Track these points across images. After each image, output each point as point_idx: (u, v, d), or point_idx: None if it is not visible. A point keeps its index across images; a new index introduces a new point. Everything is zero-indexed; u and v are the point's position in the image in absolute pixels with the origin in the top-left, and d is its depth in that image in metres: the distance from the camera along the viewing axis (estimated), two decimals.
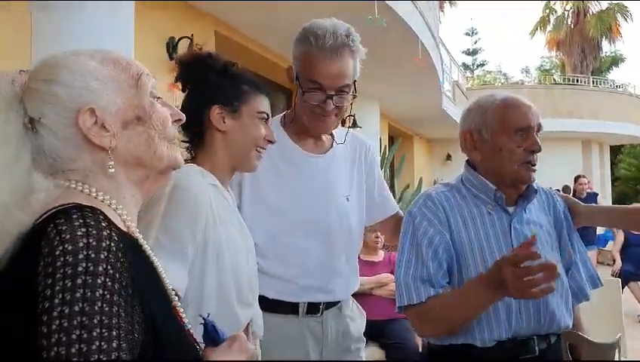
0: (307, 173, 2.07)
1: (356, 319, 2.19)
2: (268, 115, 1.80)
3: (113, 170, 1.04)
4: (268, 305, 1.88)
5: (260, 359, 1.75)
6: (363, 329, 2.23)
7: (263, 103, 1.79)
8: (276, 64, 7.20)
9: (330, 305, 2.08)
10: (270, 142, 1.80)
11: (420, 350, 4.56)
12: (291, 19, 6.14)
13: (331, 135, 2.18)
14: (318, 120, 2.01)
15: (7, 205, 0.98)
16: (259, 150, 1.78)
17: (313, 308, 2.03)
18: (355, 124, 10.17)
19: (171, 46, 5.65)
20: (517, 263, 1.54)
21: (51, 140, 1.03)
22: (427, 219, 1.85)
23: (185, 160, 1.72)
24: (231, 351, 1.10)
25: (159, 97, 1.13)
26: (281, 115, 2.17)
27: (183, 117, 1.18)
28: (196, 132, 1.74)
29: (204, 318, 1.13)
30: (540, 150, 1.85)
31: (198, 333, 1.14)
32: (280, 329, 1.94)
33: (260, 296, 1.82)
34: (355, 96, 2.03)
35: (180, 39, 5.65)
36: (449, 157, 18.87)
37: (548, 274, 1.52)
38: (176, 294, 1.29)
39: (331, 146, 2.16)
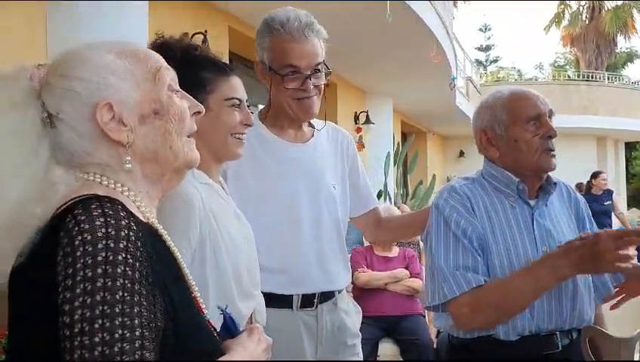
0: (291, 162, 2.06)
1: (351, 314, 2.17)
2: (240, 99, 1.72)
3: (130, 165, 1.04)
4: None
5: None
6: (359, 325, 2.21)
7: (231, 87, 1.70)
8: None
9: (324, 298, 2.06)
10: (248, 125, 1.73)
11: (435, 346, 4.58)
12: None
13: (311, 125, 2.17)
14: (302, 104, 2.01)
15: (25, 200, 0.98)
16: (237, 136, 1.72)
17: (307, 301, 2.01)
18: (368, 121, 10.21)
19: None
20: (620, 237, 1.61)
21: (69, 135, 1.03)
22: (456, 210, 1.85)
23: None
24: (250, 341, 1.11)
25: (178, 90, 1.12)
26: (258, 110, 2.16)
27: (202, 109, 1.16)
28: None
29: (222, 310, 1.13)
30: (555, 135, 1.85)
31: (217, 325, 1.15)
32: (274, 323, 1.86)
33: None
34: (328, 75, 2.05)
35: (193, 35, 5.66)
36: (462, 153, 18.81)
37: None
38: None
39: (312, 135, 2.15)
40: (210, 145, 1.67)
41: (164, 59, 1.13)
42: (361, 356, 2.21)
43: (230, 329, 1.13)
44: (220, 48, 5.07)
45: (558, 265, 1.67)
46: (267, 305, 1.84)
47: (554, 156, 1.87)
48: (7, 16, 3.86)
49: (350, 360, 2.14)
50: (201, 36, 5.58)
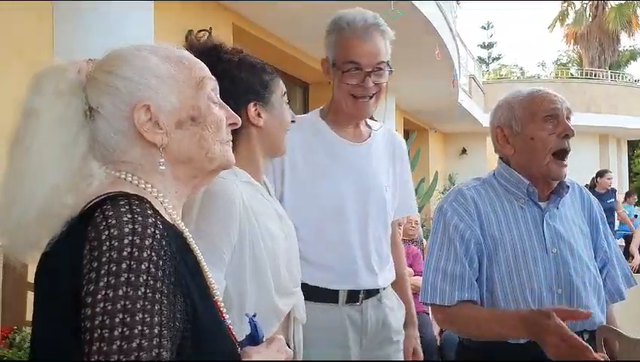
0: (348, 161, 2.12)
1: (396, 310, 2.21)
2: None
3: (164, 167, 1.06)
4: (307, 292, 1.88)
5: (301, 346, 1.77)
6: (403, 321, 2.25)
7: (281, 85, 1.79)
8: (294, 57, 7.22)
9: (369, 294, 2.10)
10: (293, 121, 1.81)
11: (438, 343, 4.59)
12: (309, 13, 6.16)
13: (368, 125, 2.23)
14: (357, 103, 2.07)
15: (59, 188, 1.00)
16: (287, 132, 1.79)
17: (353, 297, 2.06)
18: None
19: (189, 39, 5.67)
20: (565, 336, 1.57)
21: (106, 130, 1.05)
22: (458, 213, 1.86)
23: None
24: (269, 351, 1.12)
25: (217, 101, 1.13)
26: (320, 108, 2.23)
27: (239, 120, 1.18)
28: (232, 130, 1.71)
29: (249, 316, 1.15)
30: (573, 134, 1.84)
31: (242, 332, 1.16)
32: (320, 317, 1.98)
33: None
34: (391, 72, 2.11)
35: (198, 32, 5.67)
36: (464, 151, 18.79)
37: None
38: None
39: (369, 136, 2.21)
40: (269, 142, 1.75)
41: (208, 69, 1.14)
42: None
43: (254, 337, 1.14)
44: None
45: (522, 329, 1.68)
46: (314, 299, 1.94)
47: (565, 166, 1.85)
48: (15, 14, 3.88)
49: (394, 355, 2.19)
50: (206, 33, 5.59)
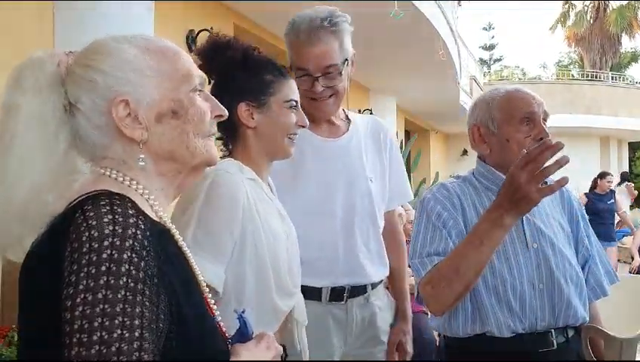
0: (323, 155, 2.07)
1: (385, 310, 2.18)
2: (296, 101, 1.77)
3: (144, 163, 1.03)
4: None
5: (306, 349, 1.75)
6: (391, 321, 2.22)
7: (290, 89, 1.76)
8: None
9: (355, 292, 2.07)
10: (302, 126, 1.78)
11: (437, 344, 4.57)
12: None
13: (348, 119, 2.18)
14: (313, 104, 2.02)
15: (40, 185, 0.99)
16: (291, 137, 1.76)
17: (337, 295, 2.03)
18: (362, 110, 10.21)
19: (190, 39, 5.68)
20: (525, 164, 1.55)
21: (85, 126, 1.03)
22: (441, 203, 1.85)
23: (222, 156, 1.75)
24: (258, 348, 1.10)
25: (201, 90, 1.10)
26: None
27: (225, 112, 1.14)
28: (228, 127, 1.72)
29: (238, 313, 1.13)
30: (547, 137, 1.80)
31: (233, 328, 1.14)
32: None
33: None
34: (351, 67, 2.04)
35: (199, 32, 5.67)
36: (465, 152, 18.79)
37: (559, 158, 1.53)
38: (211, 290, 1.32)
39: (347, 129, 2.16)
40: (266, 145, 1.74)
41: (192, 61, 1.12)
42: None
43: (243, 334, 1.12)
44: None
45: (495, 218, 1.64)
46: None
47: None
48: (15, 13, 3.88)
49: (379, 356, 2.15)
50: (207, 33, 5.59)
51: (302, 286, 1.90)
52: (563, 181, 1.55)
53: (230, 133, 1.76)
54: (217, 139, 1.75)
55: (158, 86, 1.05)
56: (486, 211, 1.69)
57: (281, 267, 1.66)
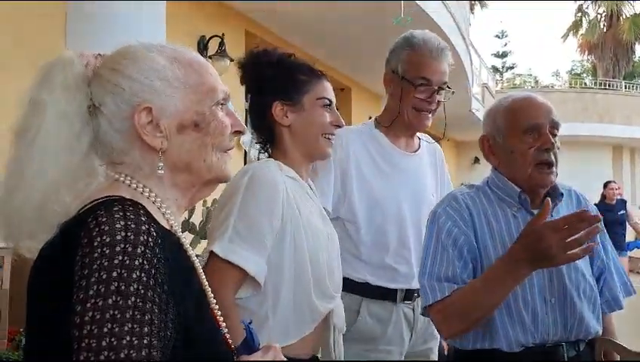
0: (403, 169, 2.28)
1: None
2: (330, 100, 1.82)
3: (162, 171, 1.04)
4: (370, 290, 2.16)
5: (342, 353, 1.78)
6: None
7: (324, 88, 1.81)
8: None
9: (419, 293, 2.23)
10: (338, 126, 1.82)
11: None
12: (320, 19, 6.18)
13: (418, 137, 2.40)
14: (420, 116, 2.25)
15: (60, 186, 0.99)
16: (327, 137, 1.80)
17: (408, 295, 2.24)
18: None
19: (202, 44, 5.70)
20: (559, 228, 1.54)
21: (106, 128, 1.03)
22: (452, 218, 1.82)
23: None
24: (265, 359, 1.09)
25: (223, 103, 1.11)
26: (372, 118, 2.43)
27: (244, 129, 1.15)
28: (265, 129, 1.79)
29: (245, 324, 1.13)
30: (552, 147, 1.77)
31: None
32: (380, 313, 2.19)
33: (362, 283, 2.15)
34: (453, 93, 2.34)
35: (210, 38, 5.69)
36: (477, 160, 18.71)
37: (589, 228, 1.53)
38: (251, 281, 1.34)
39: (419, 147, 2.38)
40: (301, 144, 1.79)
41: (217, 74, 1.13)
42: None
43: (250, 345, 1.12)
44: (236, 51, 5.10)
45: (512, 268, 1.63)
46: (375, 297, 2.18)
47: (550, 172, 1.79)
48: (28, 15, 3.91)
49: (434, 349, 2.42)
50: (219, 39, 5.61)
51: (380, 287, 2.18)
52: (588, 249, 1.56)
53: (267, 134, 1.81)
54: (257, 143, 1.82)
55: (183, 97, 1.05)
56: (504, 257, 1.67)
57: (321, 265, 1.69)
